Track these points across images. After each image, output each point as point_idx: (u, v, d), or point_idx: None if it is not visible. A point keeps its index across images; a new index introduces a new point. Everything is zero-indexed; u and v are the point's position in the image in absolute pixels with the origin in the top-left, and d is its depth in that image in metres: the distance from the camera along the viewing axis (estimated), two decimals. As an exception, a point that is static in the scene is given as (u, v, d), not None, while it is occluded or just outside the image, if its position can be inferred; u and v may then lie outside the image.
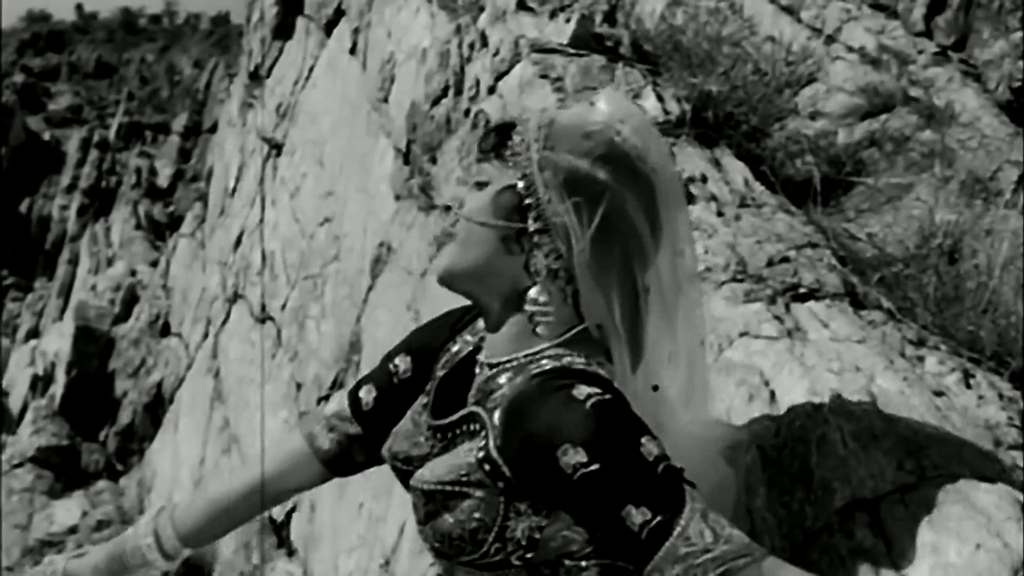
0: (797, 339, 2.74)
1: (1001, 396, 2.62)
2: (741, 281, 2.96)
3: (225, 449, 4.85)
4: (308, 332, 4.52)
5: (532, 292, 2.16)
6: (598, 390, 2.04)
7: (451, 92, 4.56)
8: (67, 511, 5.56)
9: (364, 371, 4.12)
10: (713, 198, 3.35)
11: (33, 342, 7.26)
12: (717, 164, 3.55)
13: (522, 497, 2.09)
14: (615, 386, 2.09)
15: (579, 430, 2.01)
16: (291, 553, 4.28)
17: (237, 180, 6.13)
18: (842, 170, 3.81)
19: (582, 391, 2.04)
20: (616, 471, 1.99)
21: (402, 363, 2.44)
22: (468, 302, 2.36)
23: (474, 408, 2.21)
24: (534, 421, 2.06)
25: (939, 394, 2.60)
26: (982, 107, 4.26)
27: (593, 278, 2.12)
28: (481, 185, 2.19)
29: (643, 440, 2.01)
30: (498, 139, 2.18)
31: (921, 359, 2.72)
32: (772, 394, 2.65)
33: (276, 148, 5.90)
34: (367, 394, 2.46)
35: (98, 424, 6.17)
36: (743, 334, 2.81)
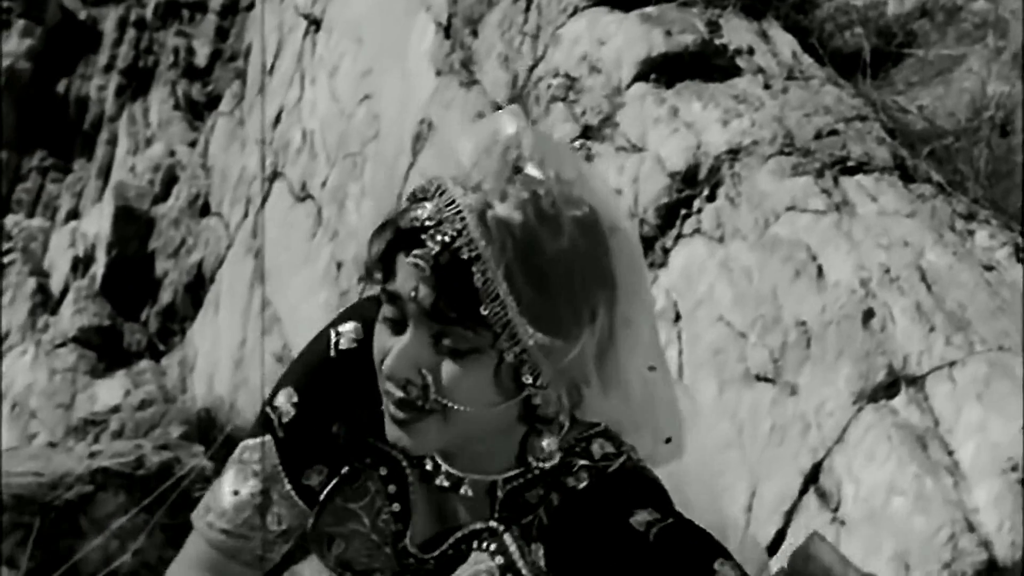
0: (845, 213, 2.71)
1: (1052, 271, 2.59)
2: (788, 154, 2.92)
3: (266, 329, 4.86)
4: (348, 211, 4.50)
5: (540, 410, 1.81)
6: (657, 515, 1.78)
7: (491, -36, 4.49)
8: (110, 390, 5.57)
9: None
10: (760, 71, 3.29)
11: (73, 223, 7.25)
12: (764, 36, 3.49)
13: None
14: (664, 489, 1.94)
15: (646, 570, 1.78)
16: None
17: (275, 58, 6.08)
18: (892, 41, 3.74)
19: (640, 520, 1.79)
20: None
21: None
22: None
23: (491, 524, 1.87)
24: (592, 561, 1.80)
25: (989, 268, 2.56)
26: (1035, -23, 4.18)
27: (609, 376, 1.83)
28: (457, 353, 1.75)
29: (716, 566, 1.88)
30: (460, 302, 1.72)
31: (971, 233, 2.68)
32: (819, 269, 2.63)
33: (315, 24, 5.85)
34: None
35: (139, 304, 6.17)
36: (790, 208, 2.77)
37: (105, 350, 6.00)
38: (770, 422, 2.58)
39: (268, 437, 1.91)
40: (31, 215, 8.00)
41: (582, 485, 1.83)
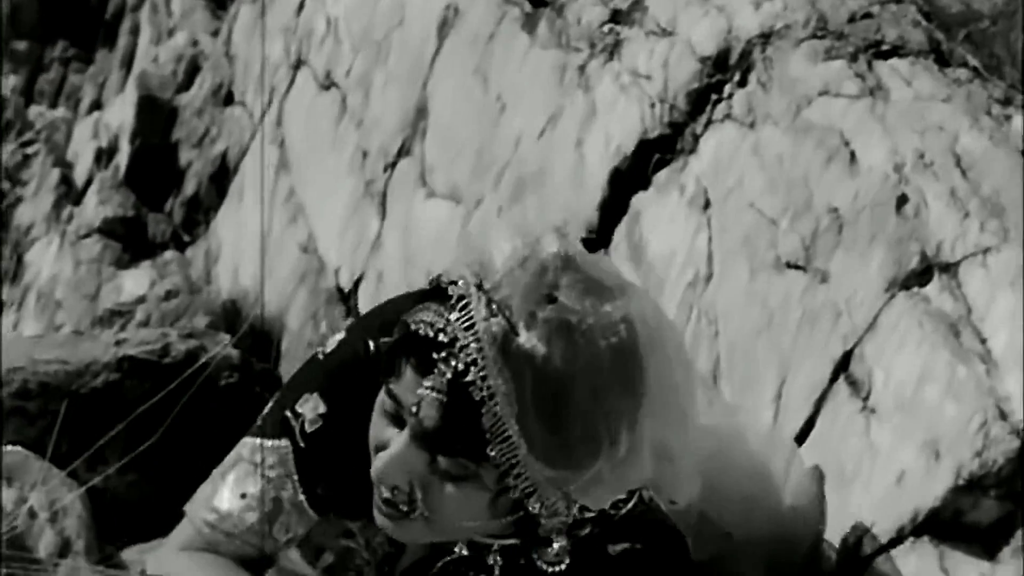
0: (879, 98, 2.66)
1: (1089, 156, 2.55)
2: (821, 38, 2.87)
3: (291, 219, 4.84)
4: (372, 100, 4.46)
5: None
6: (637, 544, 1.81)
7: None
8: (135, 281, 5.56)
9: (431, 138, 4.08)
10: (793, -48, 3.25)
11: (96, 114, 7.21)
12: (796, -83, 3.44)
13: None
14: (670, 530, 1.87)
15: None
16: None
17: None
18: (927, -78, 3.68)
19: (618, 548, 1.81)
20: None
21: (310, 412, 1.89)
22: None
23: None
24: None
25: (1025, 154, 2.53)
26: None
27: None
28: (453, 477, 1.67)
29: None
30: (464, 438, 1.63)
31: (1008, 118, 2.63)
32: (852, 155, 2.59)
33: (337, -90, 5.77)
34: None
35: (163, 194, 6.15)
36: (823, 93, 2.73)
37: (130, 241, 5.99)
38: (801, 310, 2.56)
39: (285, 442, 1.86)
40: (54, 106, 7.96)
41: (583, 533, 1.79)
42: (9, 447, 2.25)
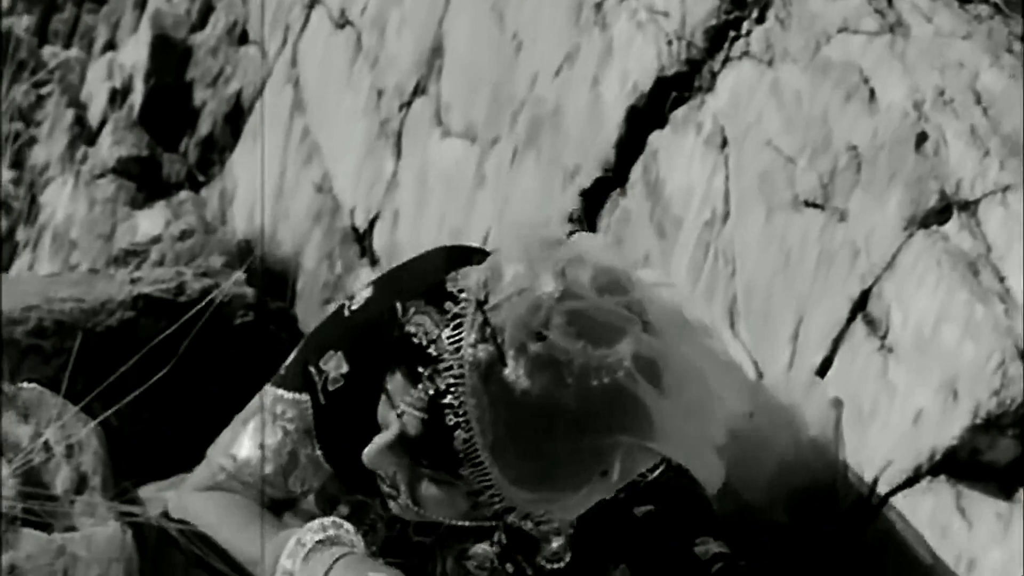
0: (899, 35, 2.64)
1: (1111, 93, 2.53)
2: (841, -27, 2.85)
3: (306, 159, 4.83)
4: (388, 38, 4.44)
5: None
6: (661, 508, 1.87)
7: None
8: (150, 221, 5.55)
9: (446, 77, 4.06)
10: None
11: (110, 54, 7.17)
12: None
13: None
14: (699, 498, 1.91)
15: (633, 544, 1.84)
16: (374, 263, 4.28)
17: None
18: None
19: (642, 510, 1.86)
20: None
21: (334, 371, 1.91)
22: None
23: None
24: (595, 546, 1.84)
25: (1047, 91, 2.51)
26: None
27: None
28: (435, 479, 1.71)
29: (697, 541, 1.87)
30: (440, 455, 1.66)
31: (1029, 55, 2.62)
32: (871, 92, 2.57)
33: None
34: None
35: (178, 134, 6.12)
36: (842, 30, 2.70)
37: (144, 181, 5.98)
38: (818, 249, 2.55)
39: (305, 396, 1.87)
40: (67, 46, 7.92)
41: (608, 496, 1.78)
42: (25, 384, 2.25)
